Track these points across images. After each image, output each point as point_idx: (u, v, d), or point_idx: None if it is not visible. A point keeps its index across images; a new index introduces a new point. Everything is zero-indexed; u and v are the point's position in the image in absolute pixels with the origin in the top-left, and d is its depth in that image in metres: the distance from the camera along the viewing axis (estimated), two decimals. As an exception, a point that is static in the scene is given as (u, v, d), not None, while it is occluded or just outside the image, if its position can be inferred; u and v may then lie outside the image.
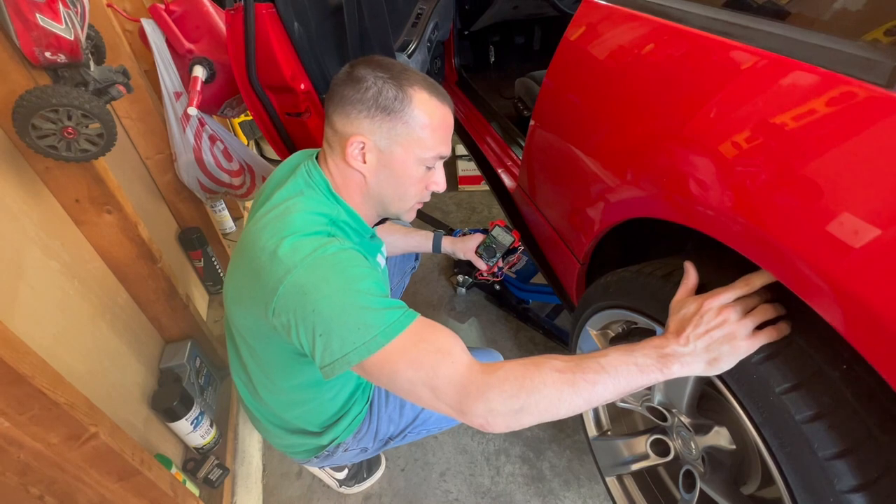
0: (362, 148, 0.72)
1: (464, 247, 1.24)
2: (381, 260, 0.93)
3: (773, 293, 0.59)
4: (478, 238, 1.23)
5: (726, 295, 0.58)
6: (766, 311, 0.57)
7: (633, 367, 0.59)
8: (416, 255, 1.34)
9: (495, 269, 1.24)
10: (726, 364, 0.57)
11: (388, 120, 0.71)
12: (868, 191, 0.43)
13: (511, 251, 1.24)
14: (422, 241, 1.23)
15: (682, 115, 0.63)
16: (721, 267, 0.65)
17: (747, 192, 0.53)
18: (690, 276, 0.64)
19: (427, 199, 0.83)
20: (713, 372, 0.58)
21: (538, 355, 0.63)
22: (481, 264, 1.22)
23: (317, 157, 0.79)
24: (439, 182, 0.81)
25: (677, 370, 0.59)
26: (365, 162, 0.74)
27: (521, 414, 0.58)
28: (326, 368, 0.62)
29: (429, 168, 0.77)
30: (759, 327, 0.56)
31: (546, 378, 0.58)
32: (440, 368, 0.60)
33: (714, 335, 0.57)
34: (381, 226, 1.19)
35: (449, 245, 1.24)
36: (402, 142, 0.72)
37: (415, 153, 0.74)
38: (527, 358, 0.62)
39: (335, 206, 0.76)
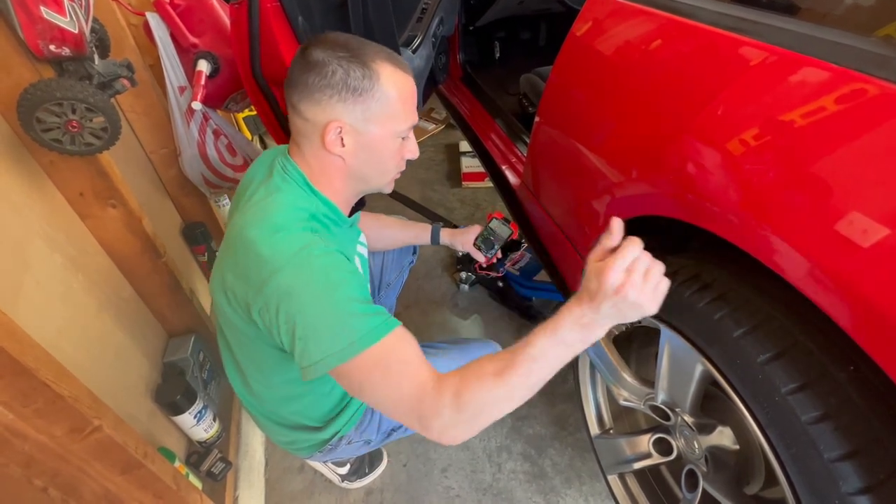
0: (339, 132, 0.72)
1: (462, 239, 1.23)
2: (361, 249, 0.93)
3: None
4: (476, 230, 1.23)
5: (619, 265, 0.58)
6: (659, 269, 0.59)
7: (561, 347, 0.62)
8: (414, 250, 1.33)
9: (494, 261, 1.23)
10: (633, 316, 0.60)
11: (361, 100, 0.70)
12: (881, 190, 0.42)
13: (511, 245, 1.23)
14: (420, 233, 1.22)
15: (690, 113, 0.63)
16: (726, 265, 0.65)
17: (756, 190, 0.52)
18: (613, 236, 0.62)
19: (404, 167, 0.84)
20: (624, 321, 0.61)
21: (476, 360, 0.65)
22: (479, 256, 1.22)
23: (288, 151, 0.79)
24: (413, 150, 0.82)
25: (599, 334, 0.62)
26: (344, 146, 0.73)
27: (474, 422, 0.62)
28: (305, 370, 0.64)
29: (403, 139, 0.79)
30: None
31: (486, 385, 0.61)
32: (402, 387, 0.63)
33: (619, 298, 0.58)
34: (378, 220, 1.18)
35: (447, 237, 1.24)
36: (377, 119, 0.73)
37: (390, 128, 0.74)
38: (466, 367, 0.64)
39: (313, 199, 0.76)
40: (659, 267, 0.59)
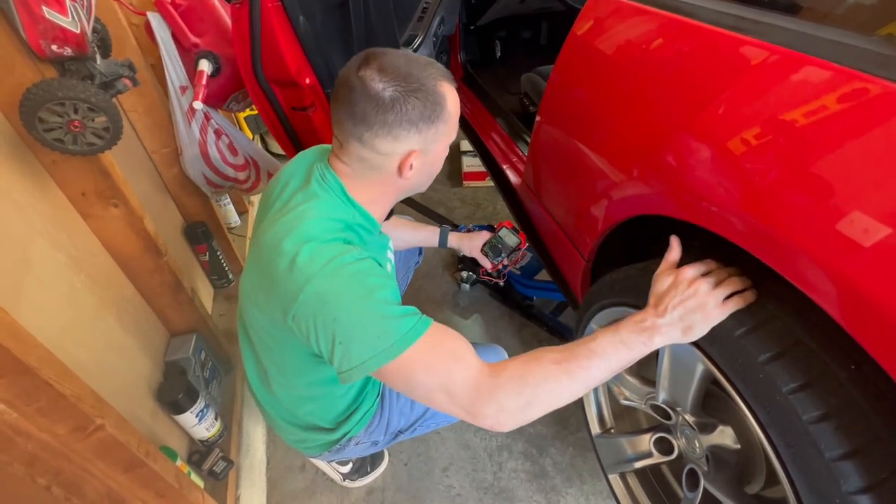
0: (412, 159, 0.72)
1: (470, 244, 1.25)
2: (390, 255, 0.94)
3: (743, 267, 0.64)
4: (484, 236, 1.24)
5: (697, 267, 0.64)
6: (734, 283, 0.62)
7: (620, 346, 0.64)
8: (420, 250, 1.34)
9: (500, 267, 1.24)
10: (699, 331, 0.62)
11: (434, 126, 0.71)
12: (882, 189, 0.42)
13: (517, 250, 1.25)
14: (429, 235, 1.24)
15: (691, 112, 0.63)
16: (729, 264, 0.65)
17: (756, 189, 0.52)
18: (673, 250, 0.69)
19: None
20: (687, 339, 0.63)
21: (534, 349, 0.67)
22: (486, 262, 1.23)
23: (329, 160, 0.78)
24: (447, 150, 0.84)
25: (659, 341, 0.64)
26: (412, 169, 0.74)
27: (528, 409, 0.63)
28: (344, 374, 0.65)
29: None
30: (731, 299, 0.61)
31: (545, 371, 0.63)
32: (453, 373, 0.64)
33: (687, 305, 0.62)
34: (388, 221, 1.19)
35: (455, 241, 1.25)
36: (441, 138, 0.74)
37: (447, 142, 0.77)
38: (525, 354, 0.66)
39: (350, 210, 0.76)
40: (733, 283, 0.61)
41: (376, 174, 0.75)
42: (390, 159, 0.72)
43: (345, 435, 0.94)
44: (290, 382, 0.87)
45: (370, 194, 0.77)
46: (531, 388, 0.62)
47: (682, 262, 0.67)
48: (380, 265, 0.71)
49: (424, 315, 0.68)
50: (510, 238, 1.21)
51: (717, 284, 0.62)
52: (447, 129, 0.74)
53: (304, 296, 0.64)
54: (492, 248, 1.22)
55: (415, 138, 0.71)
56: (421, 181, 0.81)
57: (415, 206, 2.16)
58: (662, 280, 0.66)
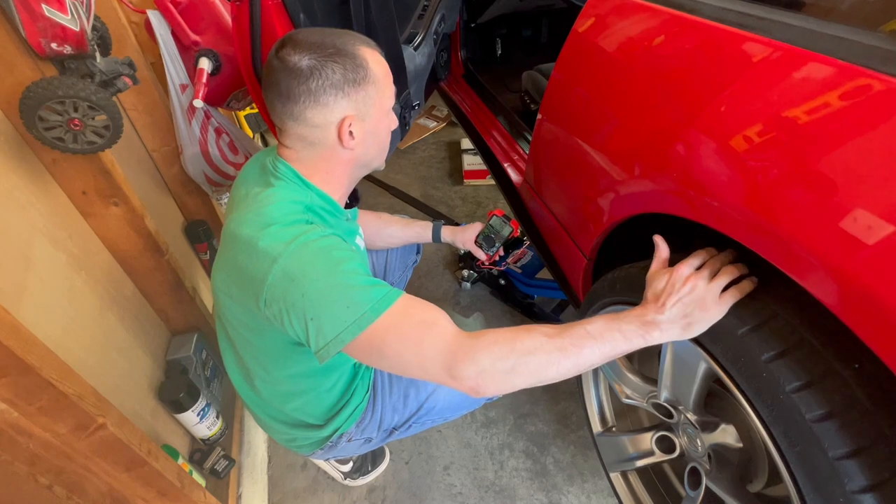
0: (350, 125, 0.73)
1: (463, 237, 1.24)
2: (359, 242, 0.94)
3: (736, 254, 0.64)
4: (476, 227, 1.24)
5: (691, 262, 0.64)
6: (729, 272, 0.62)
7: (617, 335, 0.63)
8: (418, 249, 1.34)
9: (496, 258, 1.24)
10: (699, 328, 0.62)
11: (361, 88, 0.73)
12: (886, 186, 0.42)
13: (513, 243, 1.24)
14: (421, 231, 1.23)
15: (694, 109, 0.62)
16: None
17: (760, 187, 0.52)
18: (662, 249, 0.69)
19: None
20: (688, 336, 0.63)
21: (525, 324, 0.66)
22: (480, 254, 1.23)
23: (277, 150, 0.80)
24: (395, 120, 0.84)
25: (657, 336, 0.63)
26: (353, 138, 0.75)
27: (512, 375, 0.61)
28: (321, 351, 0.64)
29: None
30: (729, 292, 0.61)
31: (535, 341, 0.62)
32: (427, 338, 0.63)
33: (686, 301, 0.62)
34: (379, 219, 1.19)
35: (448, 235, 1.25)
36: (374, 102, 0.75)
37: (384, 106, 0.78)
38: (515, 326, 0.65)
39: (307, 192, 0.77)
40: (728, 272, 0.61)
41: (320, 150, 0.76)
42: (327, 130, 0.74)
43: (335, 431, 0.93)
44: (273, 377, 0.86)
45: (323, 174, 0.78)
46: (517, 354, 0.61)
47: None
48: (345, 241, 0.71)
49: (395, 287, 0.67)
50: (502, 226, 1.21)
51: (713, 277, 0.62)
52: (378, 91, 0.75)
53: (273, 277, 0.64)
54: (485, 239, 1.22)
55: (343, 102, 0.72)
56: (371, 152, 0.81)
57: (415, 204, 2.16)
58: (659, 279, 0.66)
